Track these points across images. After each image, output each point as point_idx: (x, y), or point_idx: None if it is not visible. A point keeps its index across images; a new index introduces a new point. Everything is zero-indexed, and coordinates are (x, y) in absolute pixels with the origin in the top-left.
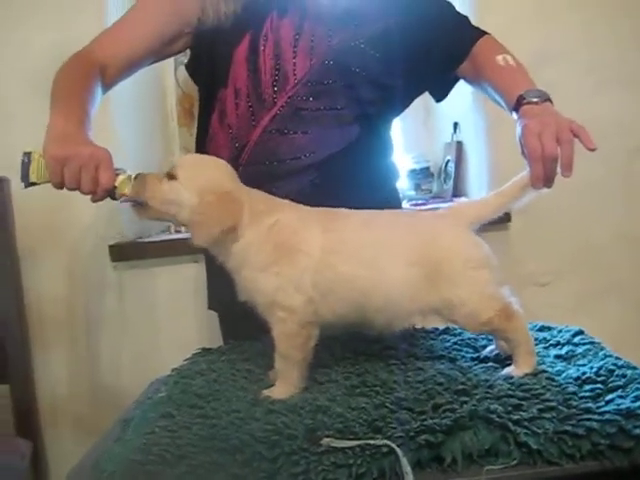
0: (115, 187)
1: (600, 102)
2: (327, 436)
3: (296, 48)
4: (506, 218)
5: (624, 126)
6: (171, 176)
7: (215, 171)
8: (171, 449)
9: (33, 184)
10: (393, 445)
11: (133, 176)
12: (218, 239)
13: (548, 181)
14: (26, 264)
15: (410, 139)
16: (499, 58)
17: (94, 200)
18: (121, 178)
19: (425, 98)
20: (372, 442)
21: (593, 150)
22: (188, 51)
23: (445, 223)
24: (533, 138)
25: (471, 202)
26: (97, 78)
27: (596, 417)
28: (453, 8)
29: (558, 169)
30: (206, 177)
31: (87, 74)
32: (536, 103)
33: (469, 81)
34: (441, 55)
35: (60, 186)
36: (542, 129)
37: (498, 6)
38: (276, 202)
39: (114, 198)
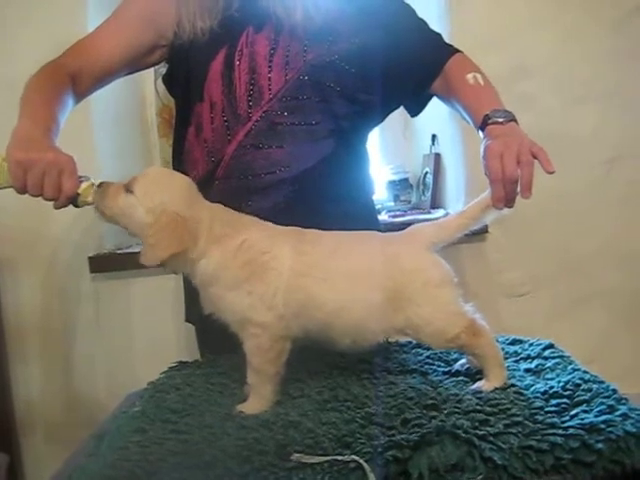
0: (78, 194)
1: (577, 114)
2: (297, 452)
3: (271, 63)
4: (483, 229)
5: (601, 138)
6: (129, 189)
7: (173, 191)
8: (142, 465)
9: None
10: (361, 461)
11: (96, 184)
12: (166, 261)
13: (509, 202)
14: (4, 274)
15: (389, 150)
16: (469, 77)
17: (56, 207)
18: (84, 185)
19: (404, 111)
20: (340, 458)
21: (551, 173)
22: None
23: (405, 245)
24: (494, 159)
25: (431, 224)
26: (68, 87)
27: (560, 432)
28: (427, 26)
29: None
30: (162, 196)
31: (58, 82)
32: (501, 123)
33: (441, 98)
34: (415, 72)
35: (22, 191)
36: (504, 150)
37: (474, 21)
38: (243, 220)
39: (76, 205)
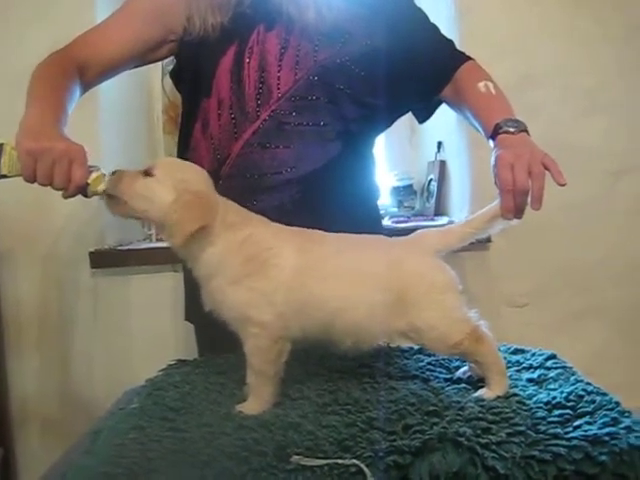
0: (88, 184)
1: (583, 125)
2: (297, 454)
3: (281, 62)
4: (486, 238)
5: (607, 150)
6: (148, 173)
7: (192, 173)
8: (140, 462)
9: (3, 177)
10: (361, 465)
11: (110, 172)
12: (192, 239)
13: (518, 213)
14: (3, 266)
15: (394, 156)
16: (480, 85)
17: (65, 196)
18: (94, 175)
19: (411, 117)
20: (341, 461)
21: (563, 185)
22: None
23: (411, 249)
24: (505, 170)
25: (437, 230)
26: (75, 76)
27: (563, 442)
28: (439, 31)
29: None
30: (183, 176)
31: (65, 72)
32: (512, 133)
33: (451, 105)
34: (425, 77)
35: (32, 180)
36: (515, 161)
37: (484, 30)
38: (250, 216)
39: (86, 195)
